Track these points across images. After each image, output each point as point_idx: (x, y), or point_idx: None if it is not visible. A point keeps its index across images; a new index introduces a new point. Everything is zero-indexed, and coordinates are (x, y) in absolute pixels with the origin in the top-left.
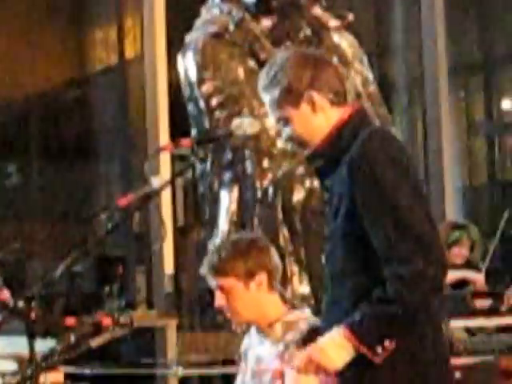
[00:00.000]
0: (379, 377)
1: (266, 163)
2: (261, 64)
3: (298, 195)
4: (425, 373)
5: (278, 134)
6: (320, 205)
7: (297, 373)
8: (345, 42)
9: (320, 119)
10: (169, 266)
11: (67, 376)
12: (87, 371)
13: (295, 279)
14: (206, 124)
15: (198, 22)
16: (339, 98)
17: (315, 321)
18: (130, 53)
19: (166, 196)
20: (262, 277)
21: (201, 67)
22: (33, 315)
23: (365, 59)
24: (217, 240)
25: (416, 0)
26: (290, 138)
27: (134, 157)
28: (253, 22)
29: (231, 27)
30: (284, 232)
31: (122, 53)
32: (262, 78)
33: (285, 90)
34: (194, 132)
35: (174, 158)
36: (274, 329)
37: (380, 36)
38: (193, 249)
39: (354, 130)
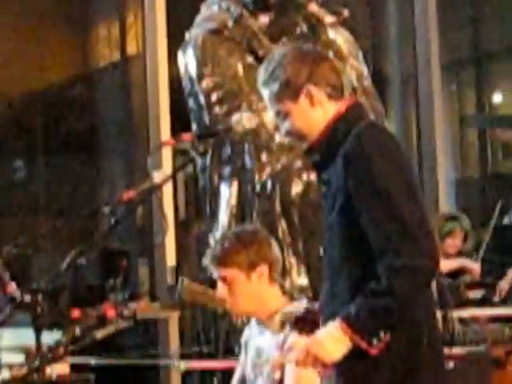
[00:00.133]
0: (375, 368)
1: (264, 157)
2: (259, 60)
3: (296, 188)
4: (419, 366)
5: (276, 128)
6: (318, 198)
7: (295, 366)
8: (340, 37)
9: (318, 113)
10: (171, 259)
11: (73, 367)
12: (92, 362)
13: (293, 271)
14: (206, 119)
15: (198, 19)
16: (336, 92)
17: (311, 304)
18: (131, 50)
19: (167, 190)
20: (264, 268)
21: (200, 63)
22: (39, 308)
23: (360, 54)
24: (217, 233)
25: None
26: (289, 132)
27: (136, 151)
28: (251, 19)
29: (230, 24)
30: (282, 224)
31: (123, 50)
32: (261, 73)
33: (284, 84)
34: (194, 127)
35: (176, 153)
36: (273, 320)
37: (374, 31)
38: (194, 241)
39: (349, 124)
